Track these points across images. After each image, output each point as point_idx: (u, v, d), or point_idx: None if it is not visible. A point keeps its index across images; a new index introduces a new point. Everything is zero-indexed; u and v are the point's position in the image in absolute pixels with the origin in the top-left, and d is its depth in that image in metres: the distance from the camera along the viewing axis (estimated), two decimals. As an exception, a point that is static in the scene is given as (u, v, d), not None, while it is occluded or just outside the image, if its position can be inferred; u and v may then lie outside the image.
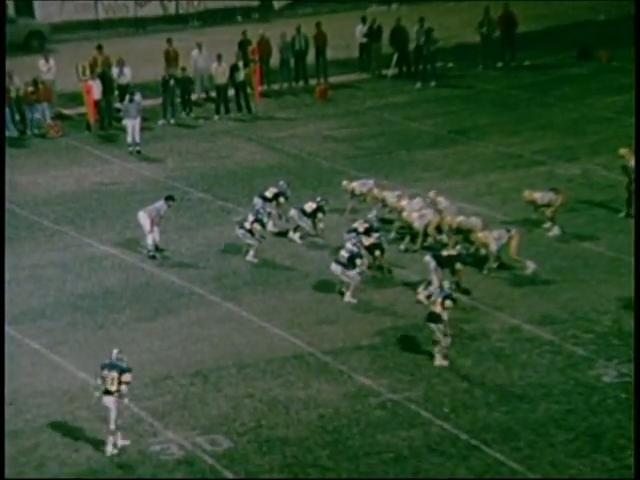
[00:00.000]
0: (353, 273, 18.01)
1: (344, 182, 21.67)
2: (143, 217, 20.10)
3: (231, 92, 28.82)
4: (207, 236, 21.09)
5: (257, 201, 20.96)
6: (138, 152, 25.89)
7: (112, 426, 14.20)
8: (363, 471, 13.81)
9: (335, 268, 18.19)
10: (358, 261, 18.07)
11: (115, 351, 14.49)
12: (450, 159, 25.26)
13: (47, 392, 15.70)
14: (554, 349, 16.42)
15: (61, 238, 21.18)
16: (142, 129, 26.26)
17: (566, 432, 14.29)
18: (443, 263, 17.80)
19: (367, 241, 18.84)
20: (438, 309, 16.10)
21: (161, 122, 27.99)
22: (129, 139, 25.95)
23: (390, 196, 20.84)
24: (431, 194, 20.58)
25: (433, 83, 31.10)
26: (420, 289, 18.01)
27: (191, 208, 22.40)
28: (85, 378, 15.88)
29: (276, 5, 38.29)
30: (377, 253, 18.86)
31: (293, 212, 20.43)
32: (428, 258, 17.95)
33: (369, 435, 14.56)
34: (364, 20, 32.12)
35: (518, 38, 32.29)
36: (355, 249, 18.24)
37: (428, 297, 17.37)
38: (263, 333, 17.31)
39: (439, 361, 16.13)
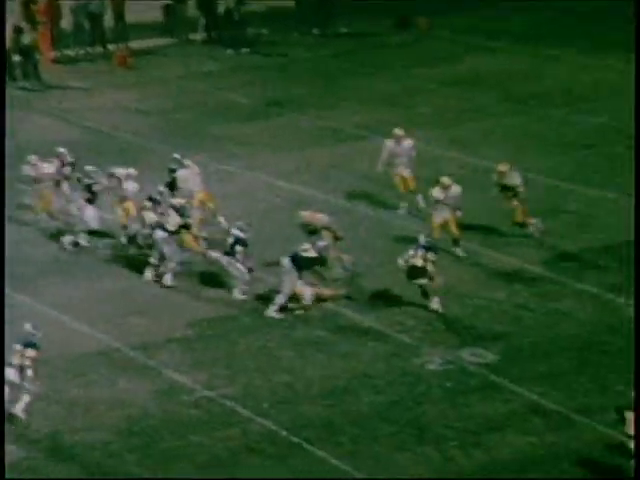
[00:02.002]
0: (238, 266, 17.80)
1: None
2: None
3: (16, 58, 28.03)
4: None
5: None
6: None
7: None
8: (175, 476, 13.81)
9: (222, 259, 17.94)
10: (238, 247, 17.88)
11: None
12: (266, 133, 25.42)
13: None
14: (378, 337, 16.86)
15: None
16: None
17: (390, 425, 14.72)
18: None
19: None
20: (420, 262, 16.80)
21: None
22: None
23: None
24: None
25: (245, 50, 31.19)
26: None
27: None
28: None
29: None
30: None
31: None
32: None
33: (182, 436, 14.57)
34: (168, -21, 31.93)
35: (335, 3, 32.76)
36: (241, 234, 17.93)
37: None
38: (61, 327, 17.03)
39: (436, 305, 17.15)
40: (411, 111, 26.52)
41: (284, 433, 14.58)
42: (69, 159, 20.82)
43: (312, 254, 17.48)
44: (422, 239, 17.51)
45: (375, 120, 26.00)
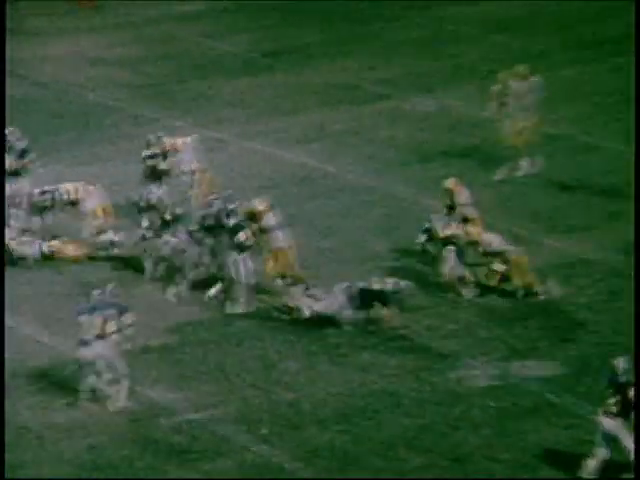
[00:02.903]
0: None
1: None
2: None
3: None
4: None
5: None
6: None
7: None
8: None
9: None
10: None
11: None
12: (265, 91, 25.55)
13: None
14: (404, 344, 16.93)
15: None
16: None
17: (420, 455, 14.74)
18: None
19: None
20: (443, 234, 17.85)
21: None
22: None
23: None
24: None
25: (237, -14, 31.35)
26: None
27: None
28: None
29: None
30: None
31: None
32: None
33: (159, 470, 14.55)
34: None
35: None
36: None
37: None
38: (11, 333, 17.13)
39: (466, 292, 17.72)
40: (447, 62, 26.58)
41: (287, 464, 14.66)
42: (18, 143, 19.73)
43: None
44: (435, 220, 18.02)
45: (400, 75, 26.08)
